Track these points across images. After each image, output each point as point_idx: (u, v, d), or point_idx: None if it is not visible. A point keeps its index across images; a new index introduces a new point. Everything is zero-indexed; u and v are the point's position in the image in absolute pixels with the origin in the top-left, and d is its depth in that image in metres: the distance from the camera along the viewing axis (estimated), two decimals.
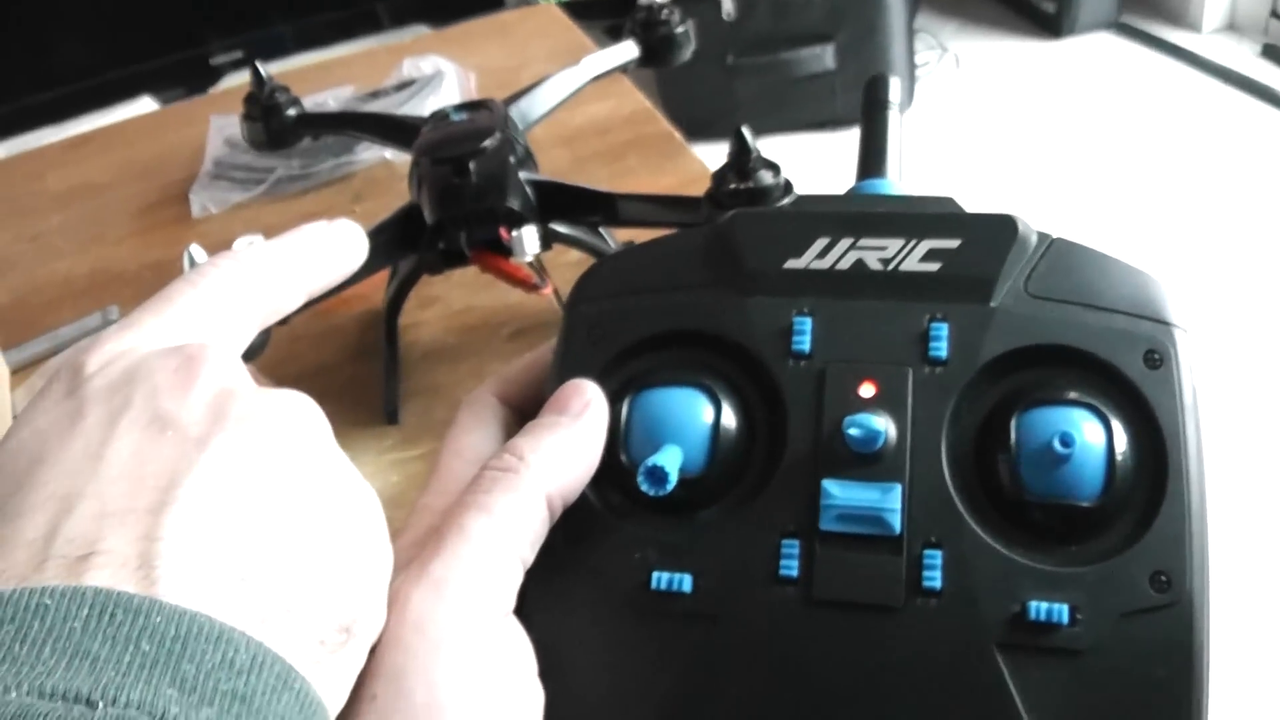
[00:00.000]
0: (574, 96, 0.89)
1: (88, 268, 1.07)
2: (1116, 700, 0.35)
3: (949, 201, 0.43)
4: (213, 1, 3.07)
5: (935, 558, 0.37)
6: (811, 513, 0.38)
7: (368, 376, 0.85)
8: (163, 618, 0.26)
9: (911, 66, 3.38)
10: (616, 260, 0.45)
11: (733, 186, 0.66)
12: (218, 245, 0.39)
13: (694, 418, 0.40)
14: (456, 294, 0.92)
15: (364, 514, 0.33)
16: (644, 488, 0.37)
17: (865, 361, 0.40)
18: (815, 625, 0.37)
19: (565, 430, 0.39)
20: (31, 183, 1.24)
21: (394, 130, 0.89)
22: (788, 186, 0.67)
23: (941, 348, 0.39)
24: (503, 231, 0.71)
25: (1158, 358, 0.38)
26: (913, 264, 0.40)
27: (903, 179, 0.54)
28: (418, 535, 0.37)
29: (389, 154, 1.14)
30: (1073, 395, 0.38)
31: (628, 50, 0.94)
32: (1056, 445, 0.36)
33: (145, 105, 2.48)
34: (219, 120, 1.24)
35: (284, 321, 0.41)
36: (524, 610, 0.36)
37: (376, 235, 0.69)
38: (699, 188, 0.69)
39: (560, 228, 0.76)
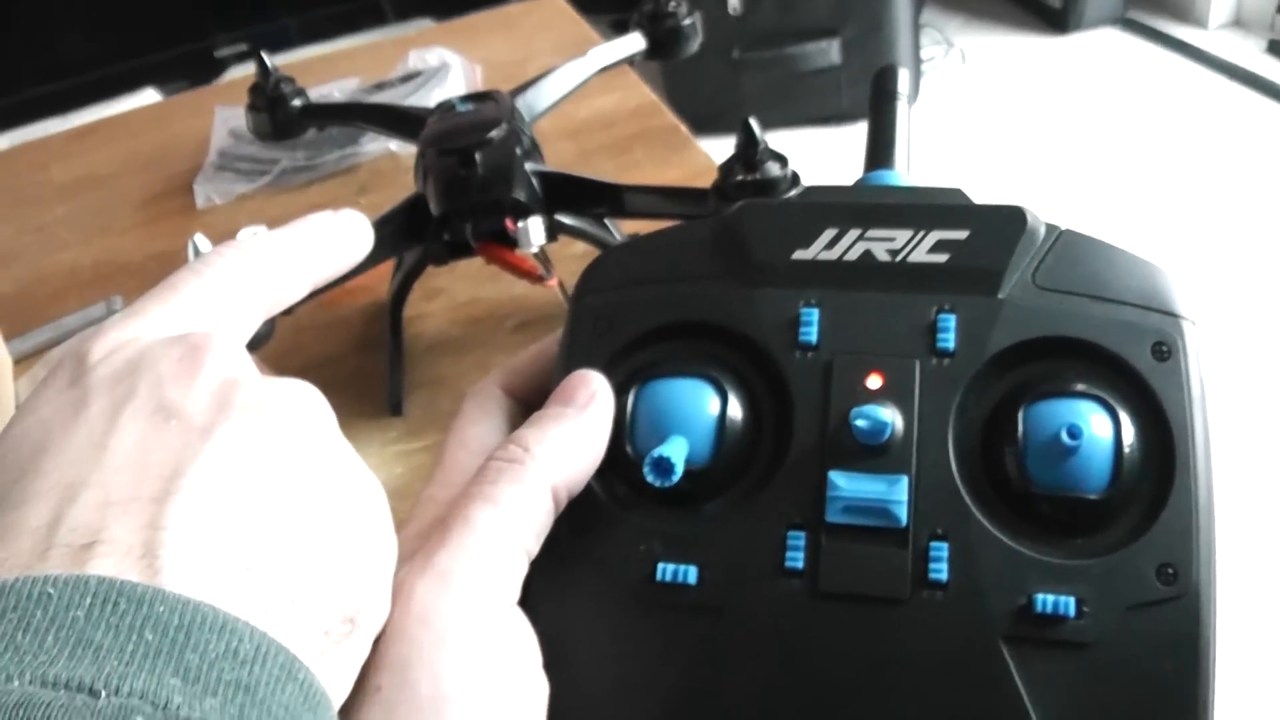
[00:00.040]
0: (580, 89, 0.89)
1: (92, 258, 1.07)
2: (1123, 693, 0.35)
3: (957, 193, 0.42)
4: None
5: (941, 550, 0.37)
6: (818, 505, 0.38)
7: (372, 368, 0.85)
8: (166, 607, 0.25)
9: (917, 62, 3.38)
10: (623, 251, 0.45)
11: (740, 178, 0.66)
12: (222, 236, 0.39)
13: (700, 409, 0.39)
14: (461, 286, 0.92)
15: (369, 504, 0.33)
16: (650, 479, 0.37)
17: (872, 353, 0.39)
18: (821, 617, 0.37)
19: (571, 421, 0.39)
20: (36, 173, 1.24)
21: (400, 121, 0.89)
22: (795, 178, 0.66)
23: (949, 339, 0.39)
24: (508, 223, 0.71)
25: (1166, 350, 0.38)
26: (921, 255, 0.40)
27: (911, 170, 0.54)
28: (422, 526, 0.37)
29: (394, 146, 1.14)
30: (1080, 387, 0.38)
31: (634, 42, 0.93)
32: (1064, 437, 0.36)
33: (149, 97, 2.49)
34: (224, 111, 1.24)
35: (288, 312, 0.41)
36: (529, 602, 0.36)
37: (382, 226, 0.69)
38: (705, 181, 0.69)
39: (566, 219, 0.76)
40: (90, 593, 0.25)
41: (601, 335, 0.42)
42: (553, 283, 0.74)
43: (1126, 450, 0.37)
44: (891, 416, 0.38)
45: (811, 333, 0.40)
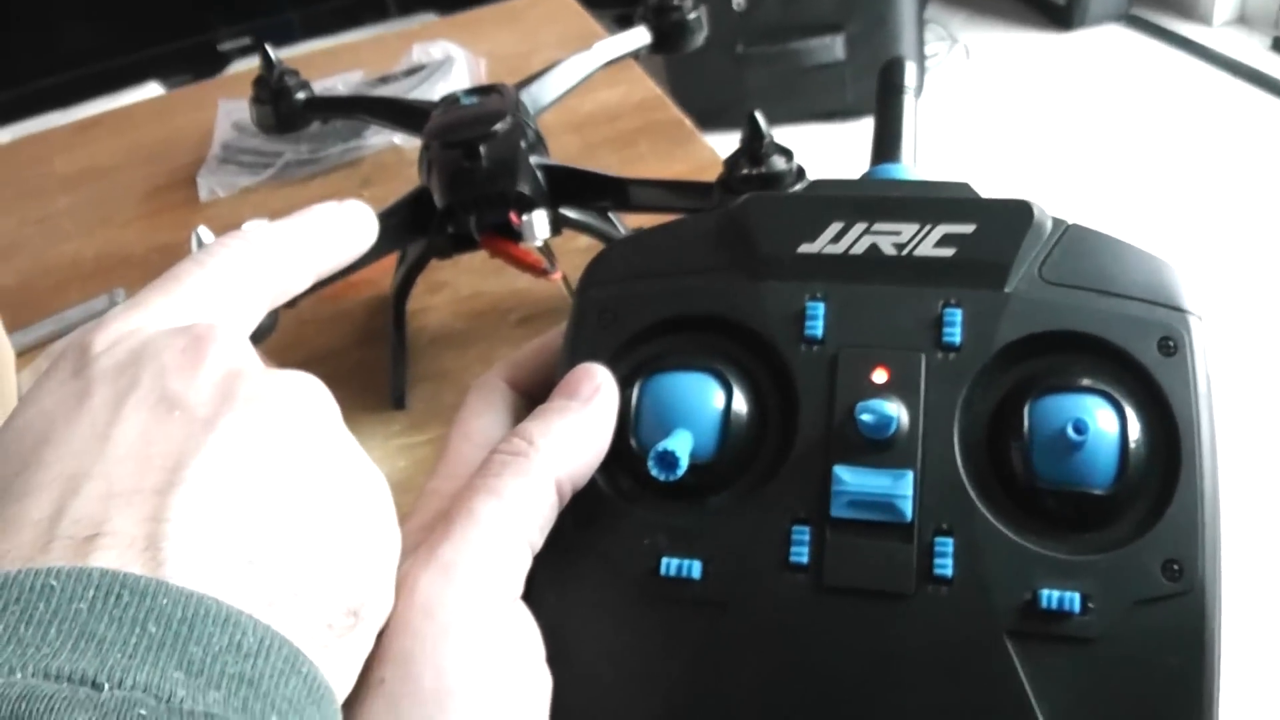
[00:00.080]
0: (585, 82, 0.89)
1: (94, 251, 1.07)
2: (1127, 689, 0.35)
3: (964, 186, 0.42)
4: None
5: (946, 545, 0.37)
6: (822, 499, 0.38)
7: (375, 361, 0.85)
8: (169, 600, 0.25)
9: (921, 57, 3.38)
10: (628, 244, 0.45)
11: (745, 172, 0.66)
12: (225, 229, 0.39)
13: (705, 403, 0.39)
14: (465, 279, 0.92)
15: (372, 497, 0.33)
16: (654, 473, 0.37)
17: (878, 347, 0.39)
18: (825, 612, 0.37)
19: (575, 414, 0.38)
20: (39, 166, 1.24)
21: (404, 114, 0.89)
22: (800, 172, 0.66)
23: (955, 333, 0.39)
24: (513, 216, 0.71)
25: (1172, 345, 0.38)
26: (927, 249, 0.40)
27: (917, 164, 0.54)
28: (426, 519, 0.37)
29: (398, 139, 1.14)
30: (1086, 382, 0.38)
31: (640, 36, 0.93)
32: (1070, 432, 0.36)
33: (152, 91, 2.48)
34: (227, 104, 1.23)
35: (292, 304, 0.41)
36: (532, 595, 0.36)
37: (386, 219, 0.69)
38: (709, 175, 0.69)
39: (570, 213, 0.76)
40: (93, 585, 0.25)
41: (606, 328, 0.42)
42: (557, 276, 0.74)
43: (1132, 445, 0.37)
44: (897, 411, 0.38)
45: (817, 326, 0.40)
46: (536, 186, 0.72)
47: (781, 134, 0.66)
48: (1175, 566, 0.35)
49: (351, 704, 0.31)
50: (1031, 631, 0.35)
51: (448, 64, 1.24)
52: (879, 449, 0.38)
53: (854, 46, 3.20)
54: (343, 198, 0.42)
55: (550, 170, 0.74)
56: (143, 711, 0.23)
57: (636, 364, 0.41)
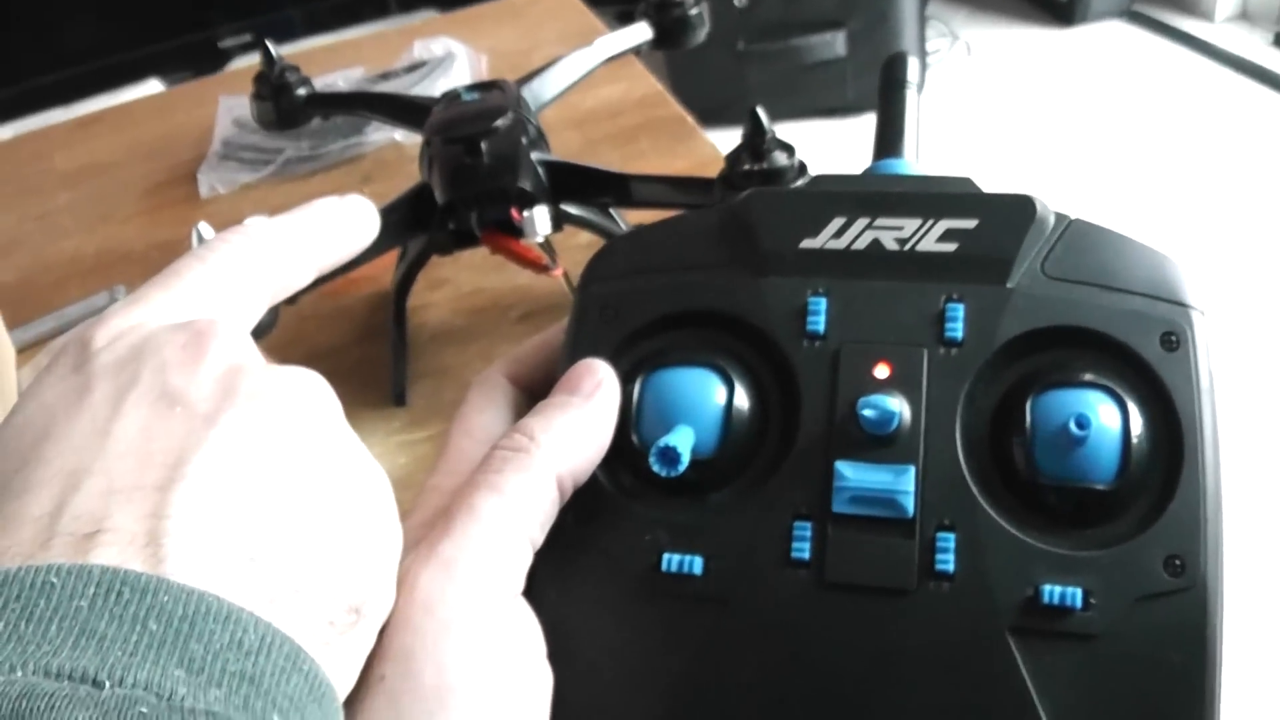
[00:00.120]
0: (586, 78, 0.89)
1: (95, 247, 1.07)
2: (1129, 685, 0.35)
3: (966, 182, 0.42)
4: None
5: (948, 541, 0.36)
6: (824, 495, 0.38)
7: (376, 358, 0.85)
8: (170, 597, 0.25)
9: (923, 54, 3.37)
10: (629, 240, 0.45)
11: (747, 167, 0.66)
12: (226, 225, 0.39)
13: (706, 398, 0.39)
14: (466, 276, 0.92)
15: (374, 493, 0.33)
16: (656, 469, 0.37)
17: (880, 342, 0.39)
18: (827, 608, 0.37)
19: (576, 410, 0.38)
20: (39, 162, 1.24)
21: (405, 110, 0.89)
22: (802, 168, 0.66)
23: (957, 329, 0.39)
24: (514, 212, 0.71)
25: (1175, 340, 0.38)
26: (929, 244, 0.40)
27: (920, 159, 0.54)
28: (427, 515, 0.37)
29: (399, 135, 1.14)
30: (1089, 377, 0.38)
31: (641, 32, 0.93)
32: (1072, 427, 0.36)
33: (153, 88, 2.48)
34: (228, 101, 1.23)
35: (292, 300, 0.41)
36: (533, 591, 0.36)
37: (387, 215, 0.68)
38: (711, 171, 0.69)
39: (571, 209, 0.76)
40: (94, 582, 0.25)
41: (607, 324, 0.42)
42: (558, 272, 0.74)
43: (1135, 441, 0.36)
44: (899, 406, 0.37)
45: (819, 322, 0.40)
46: (538, 182, 0.72)
47: (783, 130, 0.66)
48: (1177, 562, 0.35)
49: (352, 701, 0.31)
50: (1033, 627, 0.35)
51: (449, 60, 1.24)
52: (881, 444, 0.38)
53: (855, 43, 3.19)
54: (344, 194, 0.42)
55: (551, 166, 0.73)
56: (143, 709, 0.23)
57: (638, 360, 0.41)
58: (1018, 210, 0.40)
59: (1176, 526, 0.36)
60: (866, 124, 0.57)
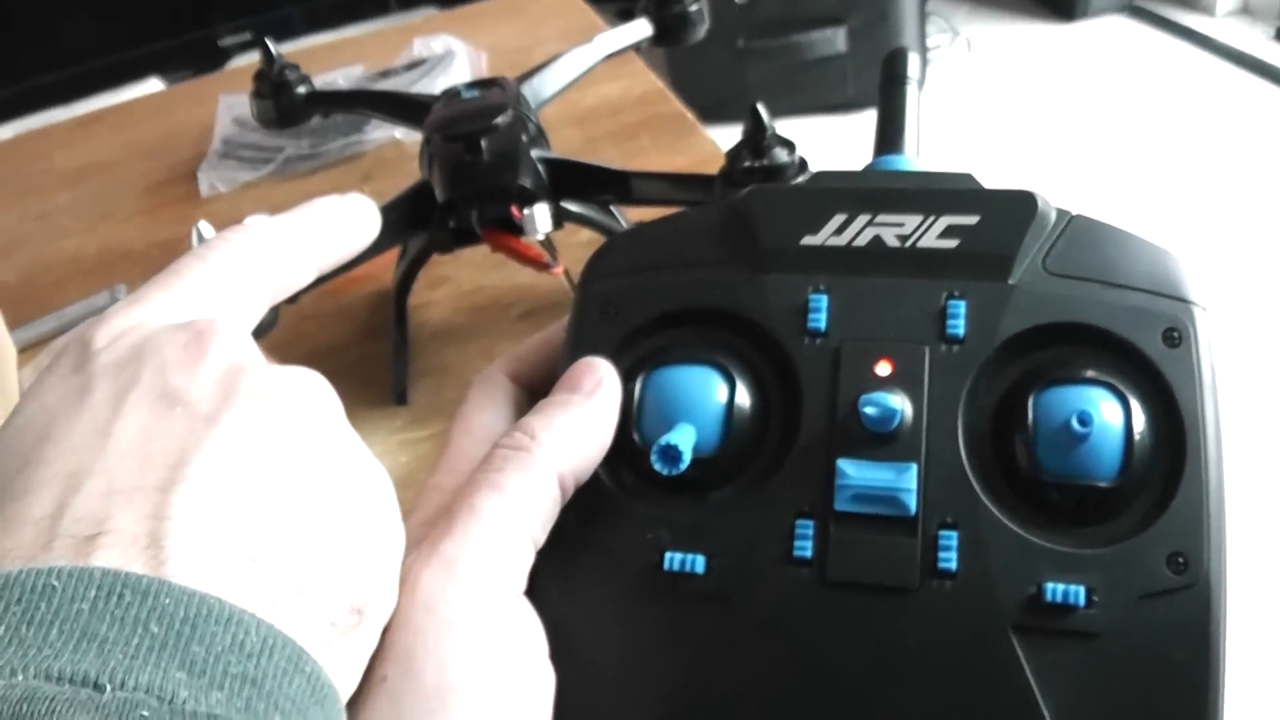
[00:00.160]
0: (586, 75, 0.89)
1: (95, 246, 1.07)
2: (1132, 683, 0.35)
3: (967, 178, 0.42)
4: None
5: (950, 538, 0.36)
6: (826, 493, 0.38)
7: (377, 356, 0.85)
8: (172, 599, 0.25)
9: (924, 50, 3.37)
10: (630, 237, 0.45)
11: (747, 164, 0.66)
12: (226, 224, 0.39)
13: (708, 396, 0.39)
14: (466, 274, 0.92)
15: (375, 493, 0.33)
16: (657, 467, 0.37)
17: (882, 339, 0.39)
18: (829, 607, 0.37)
19: (578, 409, 0.38)
20: (39, 162, 1.24)
21: (405, 108, 0.89)
22: (803, 164, 0.66)
23: (959, 325, 0.39)
24: (514, 209, 0.71)
25: (1177, 336, 0.38)
26: (930, 240, 0.40)
27: (921, 155, 0.54)
28: (428, 515, 0.37)
29: (399, 133, 1.14)
30: (1091, 374, 0.37)
31: (641, 29, 0.93)
32: (1074, 424, 0.36)
33: (153, 86, 2.48)
34: (228, 99, 1.23)
35: (293, 299, 0.41)
36: (535, 591, 0.36)
37: (387, 213, 0.68)
38: (711, 169, 0.69)
39: (572, 206, 0.76)
40: (95, 584, 0.25)
41: (608, 322, 0.42)
42: (558, 270, 0.74)
43: (1137, 438, 0.36)
44: (901, 404, 0.37)
45: (820, 319, 0.40)
46: (538, 180, 0.72)
47: (784, 126, 0.66)
48: (1180, 559, 0.35)
49: (354, 701, 0.31)
50: (1036, 625, 0.35)
51: (448, 58, 1.24)
52: (883, 442, 0.38)
53: (856, 39, 3.19)
54: (344, 192, 0.42)
55: (552, 164, 0.73)
56: (145, 713, 0.23)
57: (639, 358, 0.41)
58: (1019, 206, 0.40)
59: (1179, 524, 0.36)
60: (867, 120, 0.57)
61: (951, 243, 0.40)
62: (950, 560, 0.36)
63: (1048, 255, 0.39)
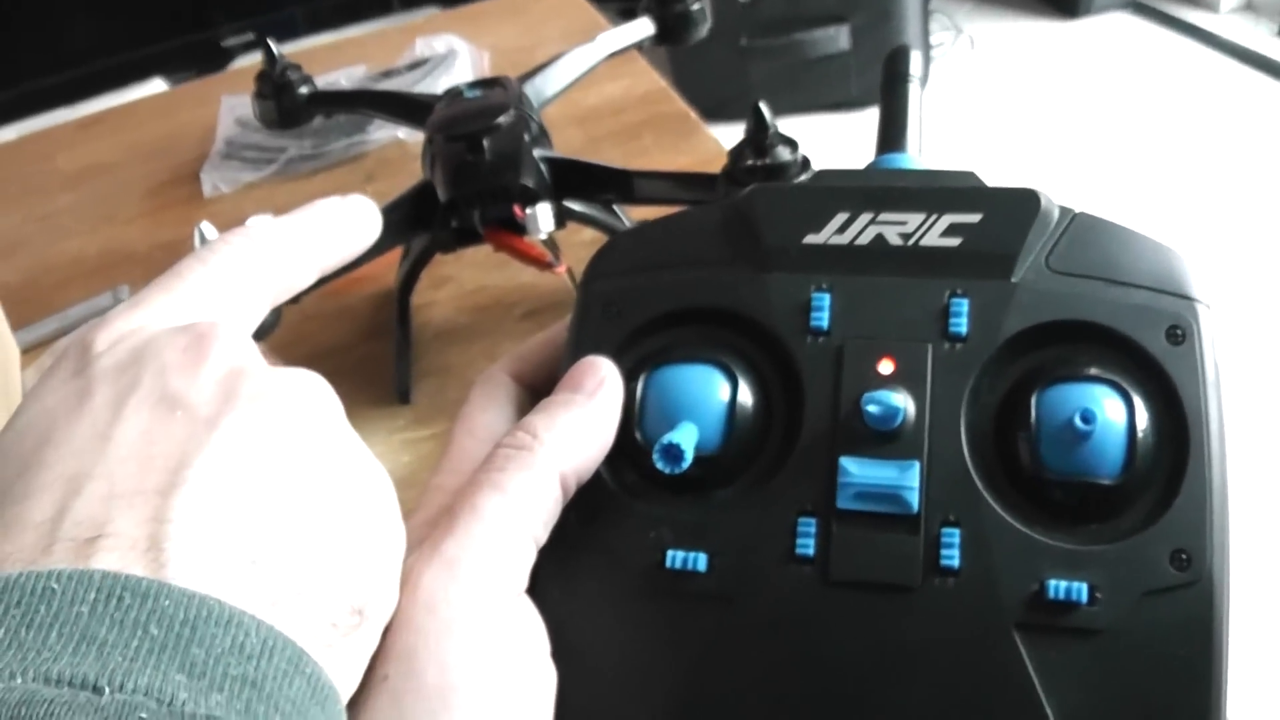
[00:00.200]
0: (589, 75, 0.89)
1: (98, 248, 1.07)
2: (1136, 680, 0.35)
3: (970, 175, 0.42)
4: None
5: (953, 536, 0.36)
6: (829, 491, 0.37)
7: (379, 356, 0.85)
8: (171, 601, 0.25)
9: (926, 48, 3.37)
10: (632, 236, 0.45)
11: (750, 163, 0.66)
12: (229, 225, 0.39)
13: (710, 395, 0.39)
14: (469, 273, 0.92)
15: (376, 494, 0.33)
16: (659, 466, 0.37)
17: (884, 338, 0.39)
18: (832, 605, 0.37)
19: (580, 408, 0.38)
20: (41, 163, 1.24)
21: (407, 108, 0.89)
22: (805, 163, 0.66)
23: (961, 324, 0.39)
24: (517, 209, 0.71)
25: (1180, 333, 0.38)
26: (933, 239, 0.40)
27: (923, 154, 0.54)
28: (430, 514, 0.37)
29: (401, 133, 1.14)
30: (1094, 371, 0.37)
31: (643, 28, 0.93)
32: (1077, 422, 0.35)
33: (156, 87, 2.48)
34: (230, 100, 1.23)
35: (295, 300, 0.41)
36: (537, 590, 0.36)
37: (389, 213, 0.69)
38: (714, 167, 0.69)
39: (574, 206, 0.76)
40: (94, 587, 0.25)
41: (611, 321, 0.42)
42: (561, 269, 0.74)
43: (1140, 435, 0.36)
44: (903, 402, 0.37)
45: (823, 318, 0.40)
46: (540, 179, 0.72)
47: (786, 125, 0.66)
48: (1183, 557, 0.35)
49: (355, 701, 0.31)
50: (1039, 623, 0.35)
51: (451, 57, 1.24)
52: (885, 440, 0.38)
53: (858, 38, 3.19)
54: (346, 193, 0.42)
55: (554, 163, 0.73)
56: (144, 715, 0.23)
57: (641, 357, 0.41)
58: (1022, 204, 0.40)
59: (1182, 521, 0.36)
60: (870, 119, 0.57)
61: (954, 241, 0.40)
62: (953, 558, 0.36)
63: (1051, 253, 0.39)
